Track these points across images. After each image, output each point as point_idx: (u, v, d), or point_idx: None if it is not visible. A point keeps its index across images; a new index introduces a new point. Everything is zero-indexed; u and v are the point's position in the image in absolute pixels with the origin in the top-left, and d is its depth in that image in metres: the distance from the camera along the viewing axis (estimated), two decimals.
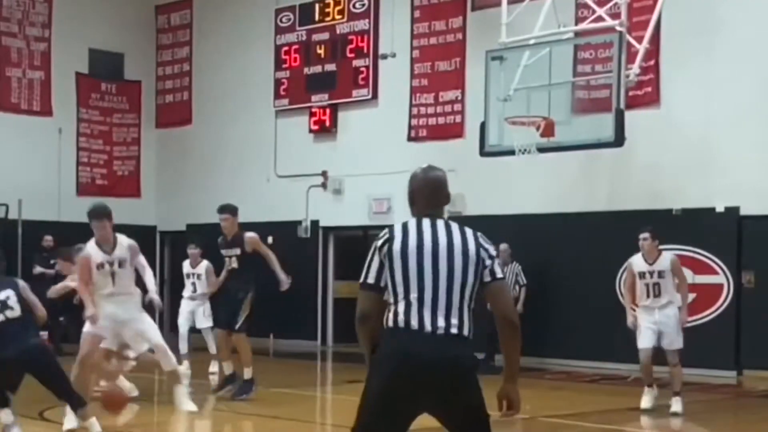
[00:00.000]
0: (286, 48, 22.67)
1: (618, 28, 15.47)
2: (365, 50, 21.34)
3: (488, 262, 5.04)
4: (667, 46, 17.16)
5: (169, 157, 25.10)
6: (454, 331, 4.87)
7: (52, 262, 18.77)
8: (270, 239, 22.68)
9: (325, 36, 22.02)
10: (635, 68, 15.73)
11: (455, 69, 19.99)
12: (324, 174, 21.87)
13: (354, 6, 21.55)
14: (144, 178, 25.14)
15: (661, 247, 12.40)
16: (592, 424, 11.77)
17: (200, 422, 11.48)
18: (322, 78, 21.96)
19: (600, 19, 16.09)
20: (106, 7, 24.30)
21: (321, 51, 22.06)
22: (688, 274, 16.53)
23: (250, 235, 13.09)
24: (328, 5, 21.97)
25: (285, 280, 12.91)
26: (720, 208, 16.71)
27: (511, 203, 18.82)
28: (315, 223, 22.13)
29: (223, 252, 13.31)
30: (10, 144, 22.62)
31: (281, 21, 22.79)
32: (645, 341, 12.15)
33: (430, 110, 20.33)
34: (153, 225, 24.68)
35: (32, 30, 23.29)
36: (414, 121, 20.56)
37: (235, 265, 13.07)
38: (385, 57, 20.87)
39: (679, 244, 16.70)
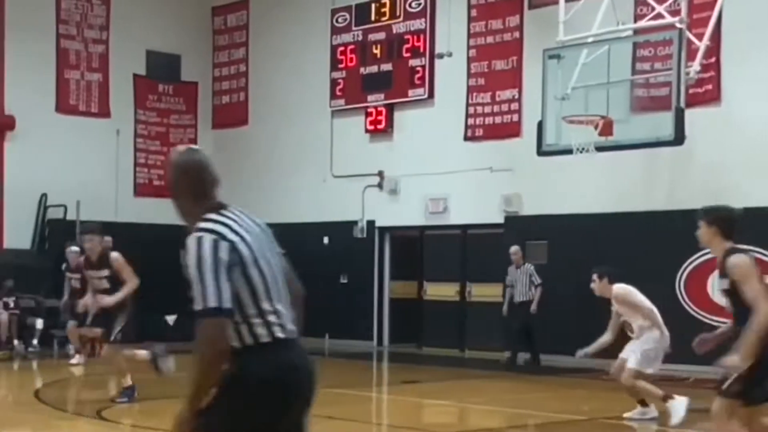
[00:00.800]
0: (342, 48, 22.67)
1: (678, 25, 15.31)
2: (421, 50, 21.28)
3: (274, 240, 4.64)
4: (728, 43, 16.92)
5: (225, 158, 25.07)
6: (296, 328, 4.48)
7: None
8: (326, 239, 22.79)
9: (381, 36, 21.98)
10: (695, 65, 15.55)
11: (512, 68, 19.87)
12: (380, 174, 21.82)
13: (410, 5, 21.49)
14: None
15: None
16: (650, 425, 11.61)
17: None
18: (378, 78, 21.94)
19: (659, 16, 15.92)
20: (163, 8, 24.49)
21: (377, 51, 22.03)
22: None
23: (115, 255, 12.37)
24: (384, 5, 21.94)
25: (109, 301, 12.16)
26: None
27: (568, 203, 18.66)
28: (371, 224, 22.06)
29: (91, 274, 12.58)
30: (68, 145, 22.84)
31: (337, 21, 22.79)
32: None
33: (487, 109, 20.22)
34: None
35: (90, 32, 23.51)
36: (470, 121, 20.46)
37: (107, 286, 12.33)
38: (441, 56, 20.78)
39: (741, 244, 16.44)
